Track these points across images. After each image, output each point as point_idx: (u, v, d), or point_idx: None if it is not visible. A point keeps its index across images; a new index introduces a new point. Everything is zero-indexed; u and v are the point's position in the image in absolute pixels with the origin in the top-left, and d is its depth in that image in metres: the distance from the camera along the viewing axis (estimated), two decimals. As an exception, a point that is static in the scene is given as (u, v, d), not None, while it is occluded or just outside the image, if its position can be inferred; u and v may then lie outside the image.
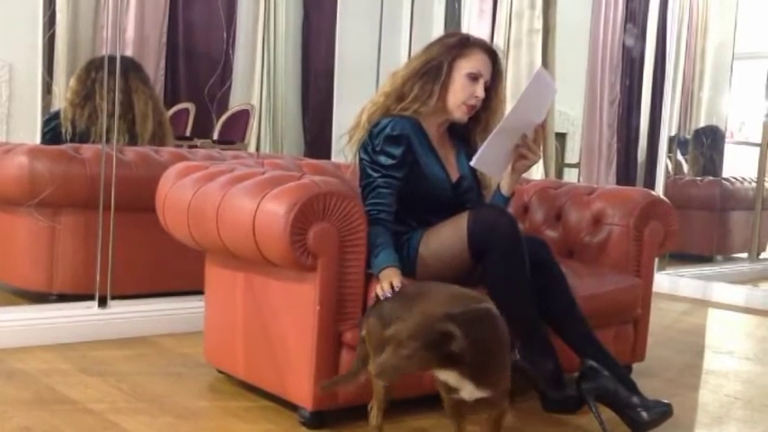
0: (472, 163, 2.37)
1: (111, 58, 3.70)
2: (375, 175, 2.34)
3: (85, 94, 3.70)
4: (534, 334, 2.35)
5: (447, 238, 2.32)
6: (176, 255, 2.98)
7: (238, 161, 2.81)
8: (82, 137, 3.64)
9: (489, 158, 2.35)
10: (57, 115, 3.80)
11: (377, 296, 2.10)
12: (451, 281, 2.32)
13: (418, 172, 2.39)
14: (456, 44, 2.44)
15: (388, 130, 2.35)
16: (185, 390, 2.49)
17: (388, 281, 2.10)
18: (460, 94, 2.42)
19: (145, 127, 3.73)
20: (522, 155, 2.40)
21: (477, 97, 2.43)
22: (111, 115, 3.49)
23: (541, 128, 2.40)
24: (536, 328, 2.35)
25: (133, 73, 3.82)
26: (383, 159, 2.33)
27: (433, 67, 2.42)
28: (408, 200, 2.38)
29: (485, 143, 2.33)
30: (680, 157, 5.70)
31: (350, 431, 2.22)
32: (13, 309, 3.07)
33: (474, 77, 2.42)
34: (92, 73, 3.74)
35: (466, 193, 2.50)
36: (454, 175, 2.49)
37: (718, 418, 2.53)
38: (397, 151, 2.34)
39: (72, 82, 3.84)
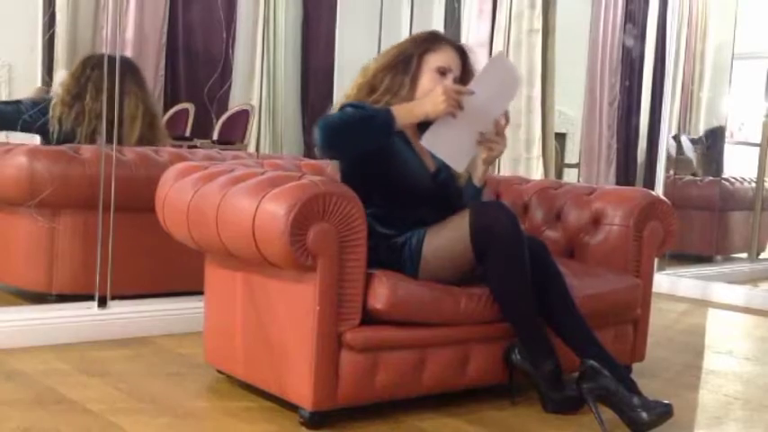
0: (422, 141, 2.29)
1: (109, 57, 3.67)
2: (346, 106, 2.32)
3: (77, 92, 3.61)
4: (534, 334, 2.35)
5: (449, 236, 2.32)
6: (176, 255, 2.98)
7: (238, 161, 2.81)
8: (67, 137, 3.54)
9: (444, 141, 2.28)
10: (47, 109, 3.65)
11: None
12: (455, 280, 2.33)
13: (396, 160, 2.37)
14: (426, 39, 2.48)
15: (366, 106, 2.35)
16: (185, 390, 2.49)
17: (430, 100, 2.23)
18: (428, 87, 2.41)
19: (132, 129, 3.62)
20: (488, 147, 2.39)
21: None
22: (97, 116, 3.46)
23: (505, 118, 2.37)
24: (536, 327, 2.35)
25: (129, 74, 3.73)
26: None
27: (403, 61, 2.44)
28: (393, 193, 2.36)
29: (435, 123, 2.27)
30: (691, 155, 5.71)
31: (350, 431, 2.22)
32: (12, 309, 3.07)
33: (443, 72, 2.43)
34: (87, 70, 3.65)
35: (446, 184, 2.48)
36: (431, 167, 2.48)
37: (717, 419, 2.53)
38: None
39: (66, 77, 3.74)
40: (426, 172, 2.45)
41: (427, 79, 2.43)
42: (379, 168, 2.35)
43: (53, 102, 3.62)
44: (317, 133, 2.21)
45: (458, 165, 2.37)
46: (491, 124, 2.35)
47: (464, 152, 2.36)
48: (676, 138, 5.60)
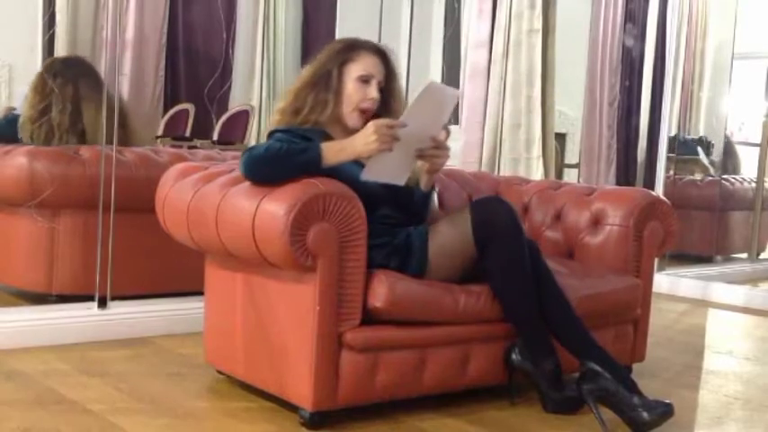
0: (362, 177, 2.23)
1: (66, 61, 3.55)
2: (283, 138, 2.27)
3: (43, 107, 3.40)
4: (535, 330, 2.36)
5: (452, 233, 2.32)
6: (176, 256, 2.97)
7: (238, 162, 2.80)
8: None
9: (383, 168, 2.24)
10: (17, 129, 3.44)
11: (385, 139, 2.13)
12: (457, 278, 2.33)
13: (340, 173, 2.26)
14: (342, 49, 2.42)
15: (296, 131, 2.33)
16: (185, 390, 2.49)
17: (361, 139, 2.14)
18: (353, 97, 2.38)
19: (96, 137, 3.35)
20: (429, 161, 2.34)
21: (370, 99, 2.38)
22: (67, 130, 3.34)
23: (445, 131, 2.32)
24: (537, 324, 2.36)
25: (83, 78, 3.47)
26: (295, 139, 2.28)
27: (323, 76, 2.39)
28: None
29: (372, 157, 2.21)
30: (706, 159, 5.72)
31: (350, 431, 2.22)
32: (12, 310, 3.07)
33: (365, 80, 2.39)
34: (49, 81, 3.44)
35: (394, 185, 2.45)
36: None
37: (717, 419, 2.53)
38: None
39: (29, 92, 3.50)
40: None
41: (351, 90, 2.38)
42: None
43: (20, 122, 3.44)
44: (241, 165, 2.20)
45: (398, 181, 2.32)
46: (429, 140, 2.29)
47: (403, 170, 2.31)
48: (693, 142, 5.64)
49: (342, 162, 2.21)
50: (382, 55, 2.45)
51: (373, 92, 2.39)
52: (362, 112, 2.38)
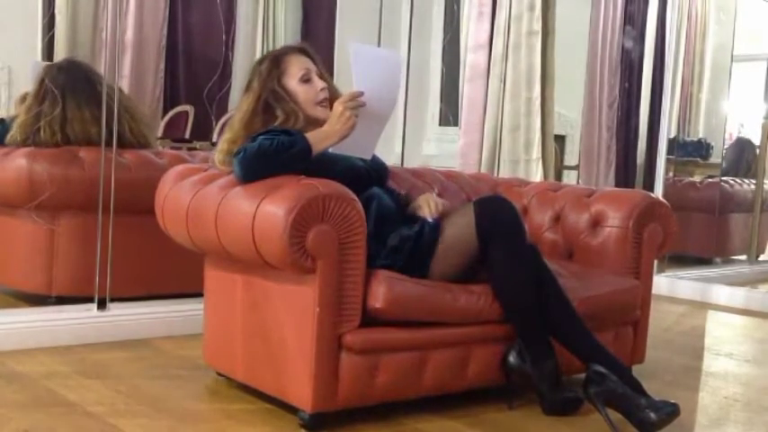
0: (332, 149, 2.31)
1: (61, 66, 3.44)
2: (273, 134, 2.29)
3: (36, 112, 3.28)
4: (535, 332, 2.36)
5: (455, 232, 2.34)
6: (176, 257, 2.97)
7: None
8: None
9: (351, 142, 2.31)
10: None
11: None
12: (461, 274, 2.34)
13: (329, 162, 2.34)
14: (271, 67, 2.50)
15: (276, 129, 2.36)
16: (184, 392, 2.49)
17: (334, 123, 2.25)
18: (309, 97, 2.48)
19: (87, 141, 3.25)
20: None
21: (321, 90, 2.50)
22: (58, 140, 3.22)
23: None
24: (537, 325, 2.36)
25: (78, 84, 3.34)
26: (279, 137, 2.29)
27: (270, 97, 2.46)
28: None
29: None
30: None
31: (349, 433, 2.22)
32: (12, 311, 3.07)
33: (305, 79, 2.49)
34: (44, 87, 3.31)
35: (376, 162, 2.56)
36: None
37: (717, 420, 2.54)
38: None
39: (28, 97, 3.36)
40: (358, 161, 2.47)
41: (301, 93, 2.48)
42: (317, 175, 2.26)
43: (7, 141, 3.31)
44: (235, 167, 2.24)
45: (366, 154, 2.43)
46: (389, 110, 2.38)
47: (369, 143, 2.40)
48: (703, 142, 5.66)
49: (328, 147, 2.29)
50: (302, 50, 2.56)
51: (319, 83, 2.51)
52: (321, 103, 2.48)
